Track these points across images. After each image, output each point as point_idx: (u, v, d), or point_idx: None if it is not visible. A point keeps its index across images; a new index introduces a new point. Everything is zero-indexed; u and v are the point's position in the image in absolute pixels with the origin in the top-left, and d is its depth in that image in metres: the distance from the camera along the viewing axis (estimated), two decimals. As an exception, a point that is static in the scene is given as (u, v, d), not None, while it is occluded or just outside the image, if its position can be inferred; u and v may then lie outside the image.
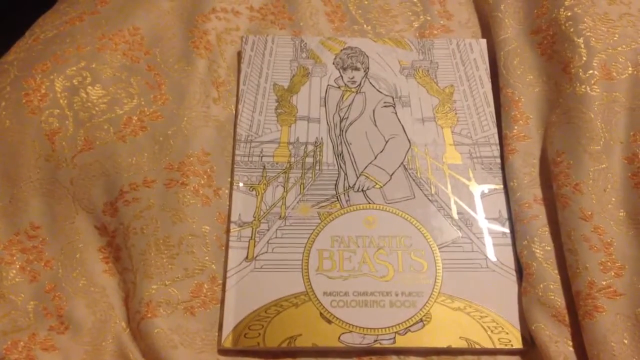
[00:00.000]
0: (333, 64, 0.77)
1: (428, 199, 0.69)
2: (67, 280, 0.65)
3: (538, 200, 0.67)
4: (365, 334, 0.62)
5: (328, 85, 0.76)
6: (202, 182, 0.68)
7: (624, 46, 0.70)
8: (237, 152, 0.71)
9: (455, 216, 0.68)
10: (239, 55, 0.78)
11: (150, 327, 0.61)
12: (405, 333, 0.62)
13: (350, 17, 0.84)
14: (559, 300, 0.61)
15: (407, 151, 0.72)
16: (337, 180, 0.70)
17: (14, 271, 0.65)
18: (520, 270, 0.65)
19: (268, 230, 0.67)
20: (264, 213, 0.68)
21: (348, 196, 0.69)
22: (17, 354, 0.59)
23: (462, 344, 0.61)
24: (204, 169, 0.69)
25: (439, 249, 0.66)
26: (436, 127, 0.73)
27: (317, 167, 0.71)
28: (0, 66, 0.73)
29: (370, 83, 0.76)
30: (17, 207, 0.67)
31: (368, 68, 0.77)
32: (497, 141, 0.72)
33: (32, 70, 0.71)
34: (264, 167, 0.70)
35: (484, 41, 0.79)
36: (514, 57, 0.75)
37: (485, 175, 0.70)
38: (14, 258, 0.65)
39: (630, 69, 0.69)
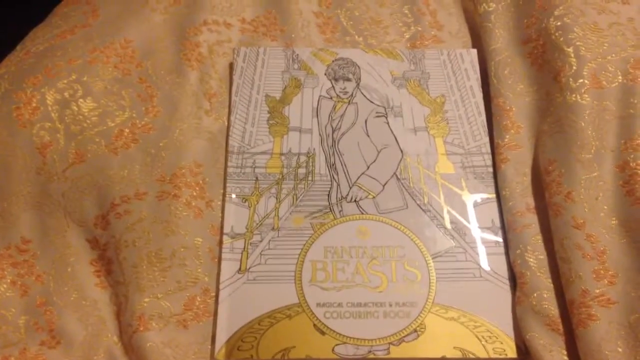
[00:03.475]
0: (325, 74, 0.78)
1: (421, 208, 0.69)
2: (59, 295, 0.64)
3: (530, 208, 0.67)
4: (359, 345, 0.61)
5: (320, 96, 0.76)
6: (194, 194, 0.68)
7: (613, 55, 0.70)
8: (229, 163, 0.71)
9: (449, 226, 0.68)
10: (231, 66, 0.78)
11: (142, 340, 0.60)
12: (400, 344, 0.62)
13: (342, 29, 0.84)
14: (553, 309, 0.61)
15: (400, 161, 0.72)
16: (329, 191, 0.70)
17: (5, 285, 0.64)
18: (513, 279, 0.65)
19: (261, 241, 0.66)
20: (257, 224, 0.67)
21: (341, 207, 0.69)
22: (8, 370, 0.59)
23: (457, 354, 0.61)
24: (196, 181, 0.69)
25: (432, 258, 0.66)
26: (428, 136, 0.74)
27: (310, 178, 0.71)
28: (-9, 80, 0.73)
29: (362, 94, 0.76)
30: (7, 221, 0.66)
31: (360, 79, 0.77)
32: (489, 150, 0.72)
33: (23, 84, 0.70)
34: (257, 178, 0.70)
35: (474, 51, 0.80)
36: (504, 67, 0.75)
37: (477, 185, 0.70)
38: (5, 272, 0.65)
39: (620, 77, 0.69)
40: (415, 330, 0.62)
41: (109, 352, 0.62)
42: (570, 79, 0.69)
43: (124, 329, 0.62)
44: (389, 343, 0.62)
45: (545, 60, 0.73)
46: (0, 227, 0.66)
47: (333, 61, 0.78)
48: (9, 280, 0.65)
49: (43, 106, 0.69)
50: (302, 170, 0.71)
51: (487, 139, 0.73)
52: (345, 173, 0.71)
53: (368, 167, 0.71)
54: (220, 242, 0.67)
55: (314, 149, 0.72)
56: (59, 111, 0.69)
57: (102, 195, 0.67)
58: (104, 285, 0.66)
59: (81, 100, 0.70)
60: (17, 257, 0.66)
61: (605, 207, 0.63)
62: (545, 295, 0.62)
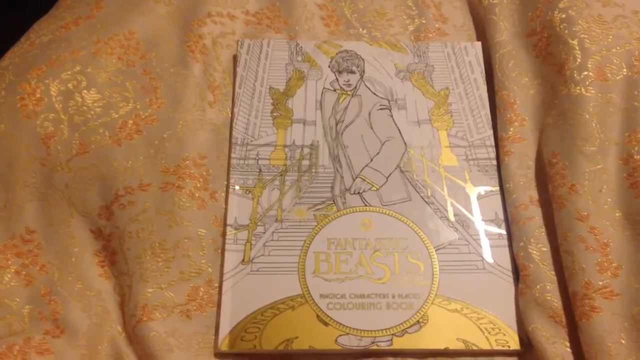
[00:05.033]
0: (329, 67, 0.77)
1: (424, 201, 0.69)
2: (63, 284, 0.64)
3: (534, 201, 0.67)
4: (362, 336, 0.62)
5: (324, 88, 0.76)
6: (198, 185, 0.68)
7: (618, 48, 0.70)
8: (233, 155, 0.71)
9: (452, 218, 0.68)
10: (235, 59, 0.78)
11: (146, 330, 0.60)
12: (403, 335, 0.62)
13: (346, 21, 0.84)
14: (556, 301, 0.61)
15: (403, 153, 0.72)
16: (333, 183, 0.70)
17: (9, 275, 0.65)
18: (516, 272, 0.65)
19: (264, 233, 0.67)
20: (260, 216, 0.68)
21: (344, 199, 0.69)
22: (12, 358, 0.59)
23: (460, 346, 0.61)
24: (199, 172, 0.69)
25: (435, 250, 0.66)
26: (432, 129, 0.74)
27: (313, 170, 0.71)
28: (-4, 71, 0.74)
29: (366, 86, 0.76)
30: (12, 211, 0.66)
31: (364, 71, 0.77)
32: (493, 143, 0.72)
33: (27, 75, 0.70)
34: (260, 170, 0.70)
35: (479, 44, 0.80)
36: (509, 60, 0.75)
37: (481, 177, 0.70)
38: (9, 262, 0.65)
39: (624, 70, 0.69)
40: (418, 322, 0.62)
41: (112, 342, 0.62)
42: (575, 72, 0.69)
43: (128, 319, 0.62)
44: (392, 334, 0.62)
45: (549, 53, 0.73)
46: (5, 217, 0.66)
47: (337, 53, 0.78)
48: (13, 270, 0.65)
49: (47, 97, 0.69)
50: (305, 162, 0.71)
51: (491, 132, 0.73)
52: (348, 165, 0.71)
53: (371, 160, 0.71)
54: (224, 234, 0.67)
55: (318, 141, 0.72)
56: (63, 102, 0.69)
57: (106, 186, 0.67)
58: (107, 275, 0.66)
59: (85, 91, 0.70)
60: (22, 247, 0.66)
61: (609, 199, 0.63)
62: (548, 288, 0.62)
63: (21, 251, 0.66)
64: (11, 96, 0.69)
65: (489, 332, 0.62)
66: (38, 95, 0.69)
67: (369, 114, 0.75)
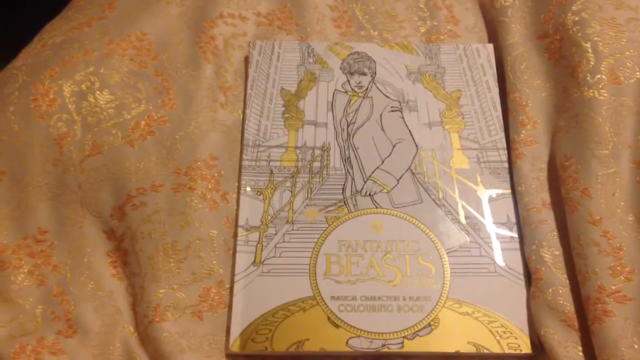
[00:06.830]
0: (340, 68, 0.77)
1: (436, 203, 0.69)
2: (75, 285, 0.65)
3: (546, 204, 0.67)
4: (373, 339, 0.62)
5: (335, 90, 0.76)
6: (210, 186, 0.68)
7: (631, 50, 0.70)
8: (244, 156, 0.71)
9: (463, 221, 0.68)
10: (246, 60, 0.78)
11: (158, 331, 0.61)
12: (413, 338, 0.62)
13: (357, 23, 0.84)
14: (568, 305, 0.61)
15: (415, 156, 0.72)
16: (344, 185, 0.70)
17: (22, 275, 0.65)
18: (528, 275, 0.65)
19: (275, 234, 0.67)
20: (272, 217, 0.68)
21: (355, 200, 0.69)
22: (25, 358, 0.60)
23: (471, 349, 0.61)
24: (211, 174, 0.69)
25: (446, 253, 0.66)
26: (443, 131, 0.73)
27: (325, 172, 0.71)
28: (9, 72, 0.74)
29: (377, 88, 0.76)
30: (25, 211, 0.67)
31: (375, 73, 0.77)
32: (505, 146, 0.72)
33: (41, 76, 0.71)
34: (272, 171, 0.70)
35: (490, 46, 0.79)
36: (521, 62, 0.75)
37: (493, 180, 0.70)
38: (22, 262, 0.65)
39: (638, 73, 0.68)
40: (429, 325, 0.62)
41: (124, 342, 0.62)
42: (588, 75, 0.68)
43: (140, 320, 0.63)
44: (403, 337, 0.62)
45: (562, 56, 0.73)
46: (18, 217, 0.67)
47: (348, 55, 0.78)
48: (26, 270, 0.65)
49: (60, 98, 0.70)
50: (316, 164, 0.71)
51: (502, 134, 0.73)
52: (359, 167, 0.71)
53: (383, 162, 0.71)
54: (235, 235, 0.67)
55: (329, 143, 0.72)
56: (76, 103, 0.70)
57: (118, 186, 0.67)
58: (120, 276, 0.66)
59: (98, 92, 0.71)
60: (34, 247, 0.66)
61: (622, 203, 0.63)
62: (560, 291, 0.62)
63: (34, 251, 0.66)
64: (24, 97, 0.70)
65: (501, 336, 0.62)
66: (51, 96, 0.70)
67: (380, 115, 0.75)
